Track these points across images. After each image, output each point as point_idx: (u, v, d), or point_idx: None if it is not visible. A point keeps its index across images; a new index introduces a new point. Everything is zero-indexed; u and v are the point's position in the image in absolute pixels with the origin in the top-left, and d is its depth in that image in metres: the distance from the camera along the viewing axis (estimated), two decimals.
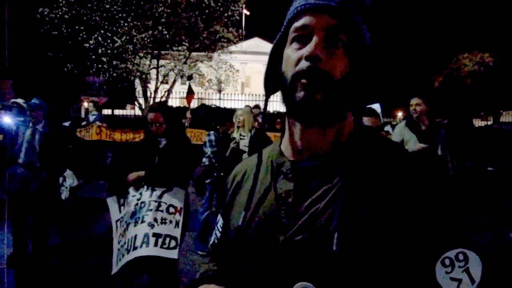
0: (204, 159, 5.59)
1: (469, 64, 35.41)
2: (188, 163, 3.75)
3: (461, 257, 0.76)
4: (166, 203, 3.35)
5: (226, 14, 18.83)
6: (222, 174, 5.48)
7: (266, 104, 1.00)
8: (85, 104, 23.03)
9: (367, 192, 0.78)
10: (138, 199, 3.36)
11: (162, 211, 3.30)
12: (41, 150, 4.48)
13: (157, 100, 19.61)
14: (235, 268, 0.93)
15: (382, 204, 0.77)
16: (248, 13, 34.29)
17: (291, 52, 0.84)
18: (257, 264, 0.86)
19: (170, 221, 3.29)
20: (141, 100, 20.11)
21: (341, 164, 0.83)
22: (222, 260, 1.05)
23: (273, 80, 0.93)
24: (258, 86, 55.77)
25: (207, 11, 18.15)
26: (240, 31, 20.48)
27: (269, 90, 0.96)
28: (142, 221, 3.23)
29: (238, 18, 19.60)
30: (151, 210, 3.28)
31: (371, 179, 0.79)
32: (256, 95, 21.58)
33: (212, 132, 5.62)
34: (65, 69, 17.97)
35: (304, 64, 0.80)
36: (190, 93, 12.83)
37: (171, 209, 3.35)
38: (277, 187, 0.89)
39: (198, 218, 5.53)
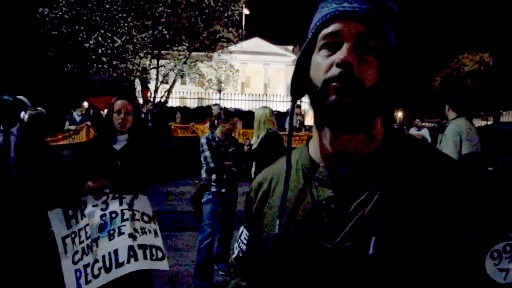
0: (202, 171, 4.68)
1: (469, 64, 35.37)
2: (153, 164, 3.32)
3: (508, 248, 0.81)
4: (139, 211, 3.02)
5: (226, 14, 18.84)
6: (223, 190, 4.51)
7: (293, 109, 0.99)
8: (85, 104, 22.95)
9: (407, 198, 0.80)
10: (104, 209, 2.97)
11: (138, 220, 2.97)
12: (18, 157, 3.90)
13: (157, 100, 19.62)
14: (272, 279, 0.90)
15: (422, 209, 0.79)
16: (247, 12, 34.29)
17: (321, 59, 0.85)
18: (303, 273, 0.84)
19: (149, 231, 2.99)
20: (141, 100, 20.10)
21: (381, 169, 0.83)
22: (250, 273, 1.01)
23: (299, 85, 0.94)
24: (258, 86, 55.72)
25: (207, 11, 18.17)
26: (240, 31, 20.49)
27: (296, 95, 0.96)
28: (121, 233, 2.88)
29: (238, 18, 19.63)
30: (127, 220, 2.92)
31: (410, 184, 0.81)
32: (256, 95, 21.55)
33: (206, 134, 4.75)
34: (66, 69, 17.98)
35: (335, 70, 0.81)
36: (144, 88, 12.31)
37: (145, 218, 3.03)
38: (313, 193, 0.88)
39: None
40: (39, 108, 5.77)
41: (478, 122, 25.60)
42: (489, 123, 24.80)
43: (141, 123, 3.40)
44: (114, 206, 2.96)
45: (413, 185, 0.80)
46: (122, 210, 2.95)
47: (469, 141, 4.58)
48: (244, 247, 1.04)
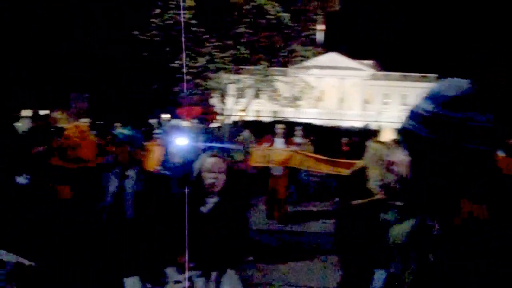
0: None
1: None
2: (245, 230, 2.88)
3: None
4: None
5: (304, 34, 19.08)
6: None
7: None
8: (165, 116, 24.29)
9: None
10: None
11: None
12: (136, 211, 3.20)
13: (234, 117, 20.29)
14: None
15: None
16: (324, 27, 34.16)
17: None
18: None
19: None
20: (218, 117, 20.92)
21: None
22: None
23: None
24: (332, 101, 55.05)
25: (286, 30, 18.54)
26: (318, 49, 20.59)
27: None
28: None
29: (315, 36, 19.76)
30: None
31: None
32: (330, 109, 21.31)
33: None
34: (154, 87, 19.44)
35: None
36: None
37: None
38: None
39: None
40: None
41: None
42: None
43: (234, 183, 2.94)
44: (200, 284, 2.55)
45: None
46: None
47: None
48: None
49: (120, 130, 3.13)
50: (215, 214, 2.67)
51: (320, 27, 25.61)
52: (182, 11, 17.37)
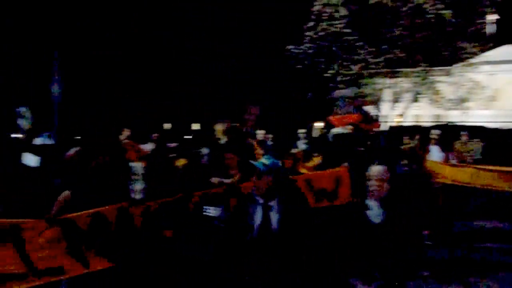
0: None
1: None
2: None
3: None
4: None
5: (470, 30, 17.20)
6: None
7: None
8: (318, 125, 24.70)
9: None
10: None
11: None
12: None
13: (390, 123, 19.47)
14: None
15: None
16: (497, 17, 29.86)
17: None
18: None
19: None
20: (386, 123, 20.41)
21: None
22: None
23: None
24: (510, 100, 47.55)
25: (448, 28, 17.04)
26: (488, 45, 18.30)
27: None
28: None
29: (484, 30, 17.61)
30: None
31: None
32: (507, 110, 18.54)
33: None
34: (308, 97, 20.17)
35: None
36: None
37: None
38: None
39: None
40: None
41: None
42: None
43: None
44: None
45: None
46: None
47: None
48: None
49: (262, 160, 2.88)
50: (388, 224, 2.67)
51: (491, 18, 22.57)
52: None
